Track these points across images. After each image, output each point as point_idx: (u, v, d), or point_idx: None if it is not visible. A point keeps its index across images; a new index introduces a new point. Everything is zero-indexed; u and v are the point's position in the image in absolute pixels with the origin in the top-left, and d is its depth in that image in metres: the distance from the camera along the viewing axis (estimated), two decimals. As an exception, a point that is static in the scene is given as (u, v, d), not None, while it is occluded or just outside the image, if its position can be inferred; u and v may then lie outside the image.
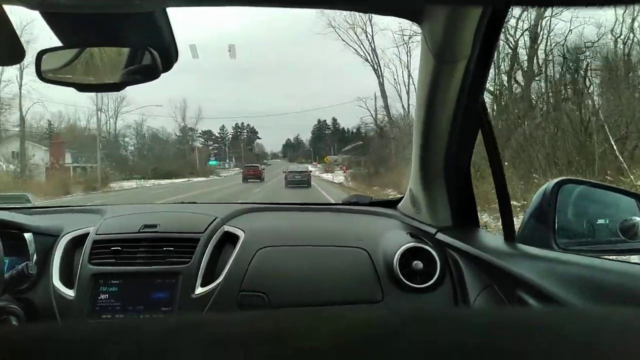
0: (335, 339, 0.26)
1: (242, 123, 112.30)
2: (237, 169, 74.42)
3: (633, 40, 11.77)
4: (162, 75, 0.85)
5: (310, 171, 29.34)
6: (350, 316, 0.30)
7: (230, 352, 0.25)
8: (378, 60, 25.38)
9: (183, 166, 45.43)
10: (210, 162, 58.66)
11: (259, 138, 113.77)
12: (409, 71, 22.34)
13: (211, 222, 1.53)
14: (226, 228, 1.54)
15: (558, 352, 0.25)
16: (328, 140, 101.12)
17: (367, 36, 25.09)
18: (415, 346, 0.26)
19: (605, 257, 0.98)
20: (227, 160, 75.40)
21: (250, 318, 0.30)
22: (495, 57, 1.12)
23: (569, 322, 0.30)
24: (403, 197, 1.74)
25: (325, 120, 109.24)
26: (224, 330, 0.28)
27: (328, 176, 33.70)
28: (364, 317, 0.30)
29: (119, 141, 48.38)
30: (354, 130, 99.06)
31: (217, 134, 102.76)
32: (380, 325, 0.29)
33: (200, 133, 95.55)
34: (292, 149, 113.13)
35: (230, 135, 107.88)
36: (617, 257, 1.08)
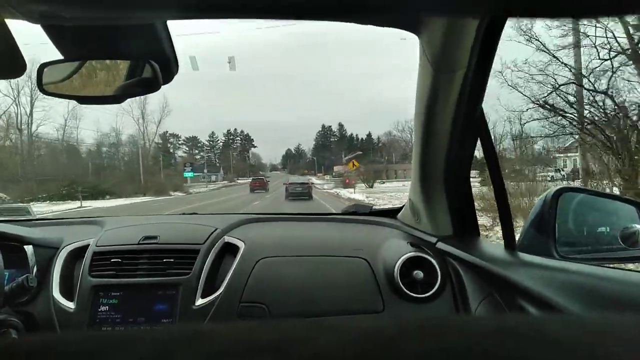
0: (336, 349, 0.26)
1: (235, 129, 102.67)
2: (226, 182, 63.09)
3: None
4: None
5: (312, 183, 27.22)
6: (351, 326, 0.30)
7: None
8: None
9: (127, 180, 34.05)
10: (186, 174, 49.93)
11: (255, 146, 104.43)
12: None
13: (211, 233, 1.53)
14: (226, 239, 1.54)
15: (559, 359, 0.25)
16: (334, 148, 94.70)
17: None
18: (416, 355, 0.26)
19: (605, 265, 0.98)
20: (205, 171, 64.61)
21: (250, 328, 0.30)
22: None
23: (570, 329, 0.30)
24: (403, 206, 1.74)
25: (330, 126, 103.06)
26: (224, 341, 0.28)
27: (355, 194, 22.17)
28: (365, 327, 0.30)
29: (35, 143, 33.17)
30: (364, 137, 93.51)
31: (205, 142, 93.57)
32: (381, 334, 0.29)
33: (184, 140, 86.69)
34: (292, 159, 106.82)
35: (221, 143, 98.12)
36: (617, 265, 1.08)
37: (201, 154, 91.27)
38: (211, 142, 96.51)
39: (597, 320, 0.33)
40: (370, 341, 0.28)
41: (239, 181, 67.02)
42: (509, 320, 0.33)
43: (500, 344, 0.27)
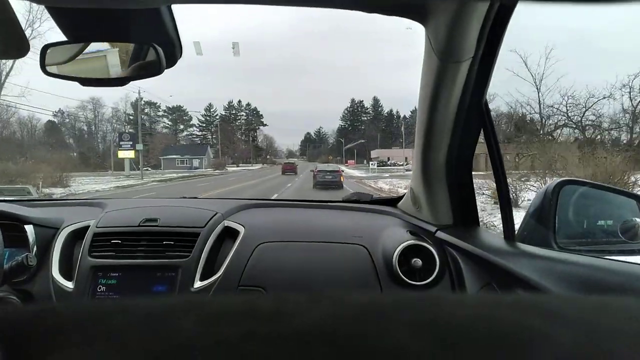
0: (332, 318, 0.27)
1: (239, 101, 79.14)
2: (211, 170, 45.54)
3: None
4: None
5: (342, 170, 23.27)
6: (349, 298, 0.30)
7: (230, 330, 0.25)
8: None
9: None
10: (122, 152, 29.48)
11: (265, 125, 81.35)
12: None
13: (211, 217, 1.53)
14: (226, 223, 1.54)
15: (559, 334, 0.25)
16: (366, 129, 74.90)
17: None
18: (414, 325, 0.26)
19: (604, 257, 0.98)
20: (139, 154, 33.51)
21: (249, 299, 0.31)
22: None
23: (570, 306, 0.30)
24: (404, 195, 1.74)
25: (361, 101, 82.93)
26: (223, 310, 0.28)
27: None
28: (363, 299, 0.30)
29: None
30: (407, 115, 73.83)
31: (200, 117, 72.04)
32: (377, 306, 0.29)
33: (165, 110, 66.19)
34: (312, 145, 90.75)
35: (218, 118, 74.93)
36: (616, 257, 1.08)
37: (190, 129, 71.72)
38: (208, 118, 74.86)
39: (596, 300, 0.33)
40: (366, 311, 0.28)
41: (230, 169, 50.67)
42: (506, 297, 0.34)
43: (499, 315, 0.27)
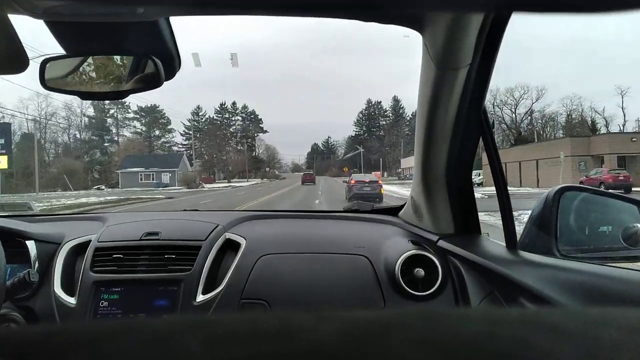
0: (337, 337, 0.27)
1: (234, 103, 64.40)
2: (183, 188, 32.73)
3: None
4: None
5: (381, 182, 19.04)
6: (354, 315, 0.30)
7: (234, 350, 0.25)
8: None
9: None
10: None
11: (265, 131, 68.07)
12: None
13: (213, 230, 1.53)
14: (227, 235, 1.54)
15: (561, 349, 0.25)
16: (386, 134, 64.61)
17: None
18: (419, 343, 0.26)
19: (607, 264, 0.98)
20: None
21: (253, 317, 0.31)
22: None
23: (572, 320, 0.30)
24: (405, 204, 1.74)
25: (380, 102, 72.01)
26: (227, 329, 0.28)
27: None
28: (368, 316, 0.30)
29: None
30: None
31: (186, 122, 57.31)
32: (383, 323, 0.29)
33: (136, 112, 51.13)
34: (320, 156, 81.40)
35: (206, 120, 60.43)
36: (619, 264, 1.08)
37: (169, 135, 56.82)
38: (195, 123, 60.63)
39: (597, 312, 0.33)
40: (372, 329, 0.28)
41: (207, 187, 38.00)
42: (510, 312, 0.33)
43: (502, 332, 0.27)
